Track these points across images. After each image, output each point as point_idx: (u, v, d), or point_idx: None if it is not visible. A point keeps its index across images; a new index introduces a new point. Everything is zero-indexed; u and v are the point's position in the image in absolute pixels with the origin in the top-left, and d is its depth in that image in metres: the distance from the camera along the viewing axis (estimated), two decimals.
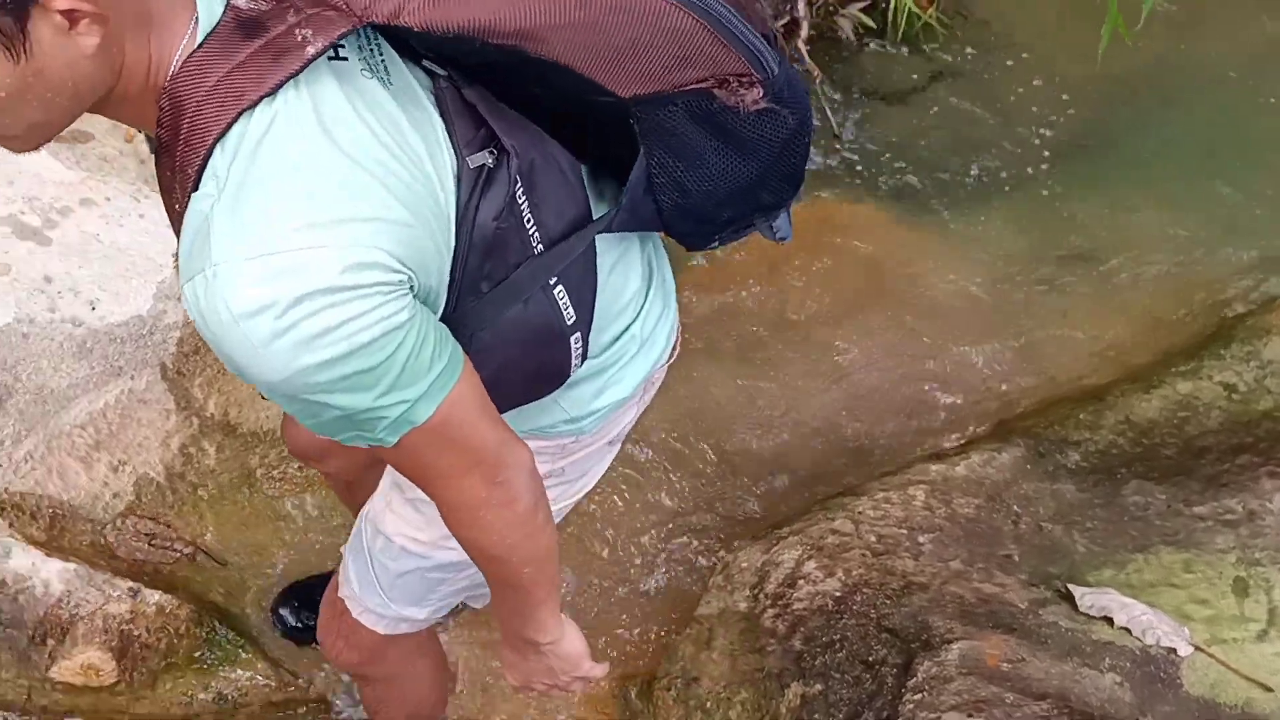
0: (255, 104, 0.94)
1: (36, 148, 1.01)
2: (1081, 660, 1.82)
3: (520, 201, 1.10)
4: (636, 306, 1.32)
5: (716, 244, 1.28)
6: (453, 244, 1.06)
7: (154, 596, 1.99)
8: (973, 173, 2.93)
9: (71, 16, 0.89)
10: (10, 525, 1.98)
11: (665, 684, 2.02)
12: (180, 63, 0.96)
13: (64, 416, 2.05)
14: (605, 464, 1.50)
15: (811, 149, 1.36)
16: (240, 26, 0.97)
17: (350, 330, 0.94)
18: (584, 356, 1.25)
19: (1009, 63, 3.13)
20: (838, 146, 2.95)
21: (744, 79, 1.08)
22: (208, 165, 0.95)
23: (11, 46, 0.88)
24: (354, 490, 1.87)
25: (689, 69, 1.07)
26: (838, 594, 1.97)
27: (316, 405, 1.00)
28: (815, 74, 2.96)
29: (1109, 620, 1.89)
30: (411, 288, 0.99)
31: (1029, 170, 2.94)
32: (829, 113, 2.97)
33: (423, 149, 1.03)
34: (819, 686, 1.86)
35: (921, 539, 2.05)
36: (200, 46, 0.96)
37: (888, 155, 2.95)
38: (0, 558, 1.93)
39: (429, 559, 1.45)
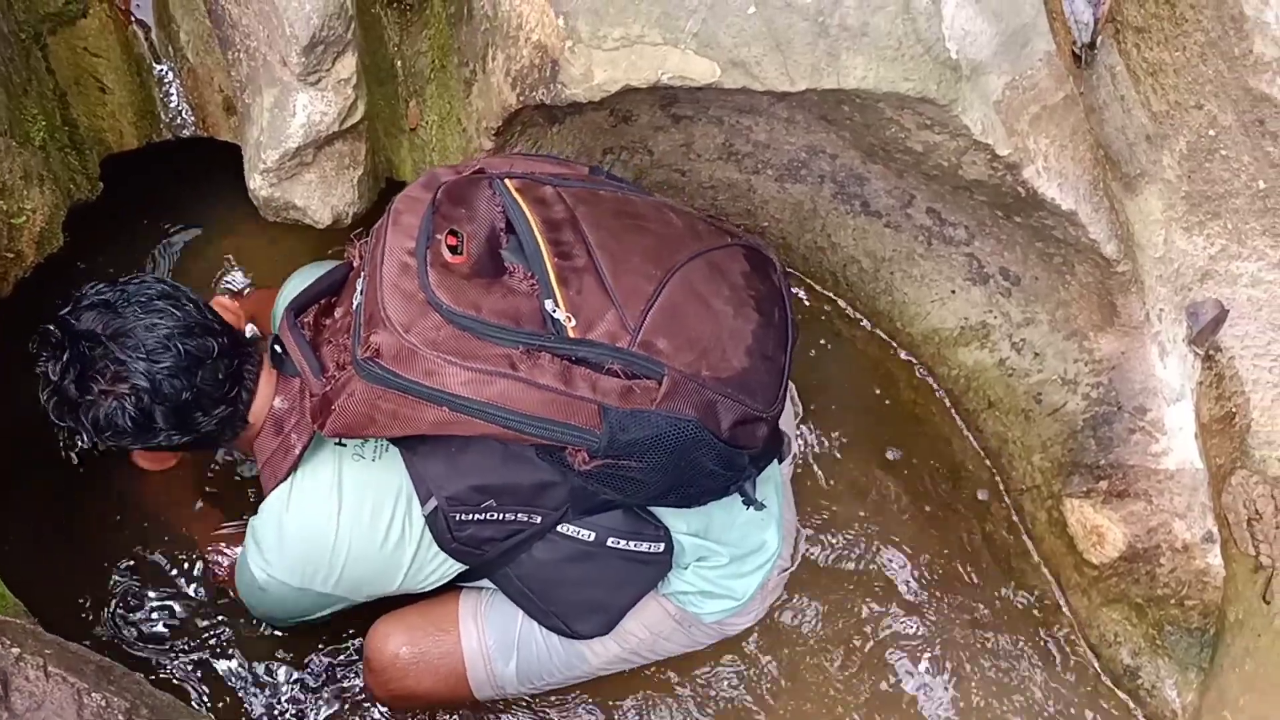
0: (286, 476, 1.70)
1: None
2: None
3: (479, 516, 1.66)
4: (729, 543, 1.82)
5: (709, 501, 1.68)
6: (411, 558, 1.71)
7: None
8: None
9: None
10: None
11: None
12: (258, 436, 1.73)
13: None
14: (683, 646, 1.97)
15: None
16: (274, 424, 1.71)
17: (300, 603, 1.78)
18: (666, 550, 1.76)
19: None
20: None
21: (563, 452, 1.55)
22: (274, 492, 1.71)
23: None
24: None
25: (539, 444, 1.56)
26: None
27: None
28: None
29: None
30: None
31: None
32: None
33: (388, 506, 1.68)
34: None
35: None
36: (259, 432, 1.73)
37: None
38: None
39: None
